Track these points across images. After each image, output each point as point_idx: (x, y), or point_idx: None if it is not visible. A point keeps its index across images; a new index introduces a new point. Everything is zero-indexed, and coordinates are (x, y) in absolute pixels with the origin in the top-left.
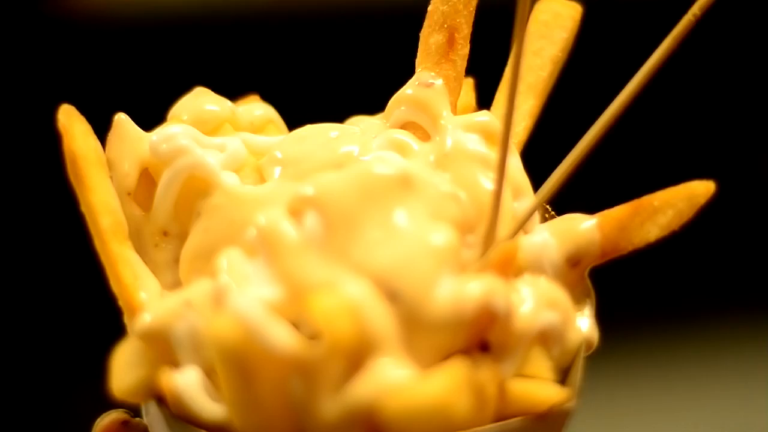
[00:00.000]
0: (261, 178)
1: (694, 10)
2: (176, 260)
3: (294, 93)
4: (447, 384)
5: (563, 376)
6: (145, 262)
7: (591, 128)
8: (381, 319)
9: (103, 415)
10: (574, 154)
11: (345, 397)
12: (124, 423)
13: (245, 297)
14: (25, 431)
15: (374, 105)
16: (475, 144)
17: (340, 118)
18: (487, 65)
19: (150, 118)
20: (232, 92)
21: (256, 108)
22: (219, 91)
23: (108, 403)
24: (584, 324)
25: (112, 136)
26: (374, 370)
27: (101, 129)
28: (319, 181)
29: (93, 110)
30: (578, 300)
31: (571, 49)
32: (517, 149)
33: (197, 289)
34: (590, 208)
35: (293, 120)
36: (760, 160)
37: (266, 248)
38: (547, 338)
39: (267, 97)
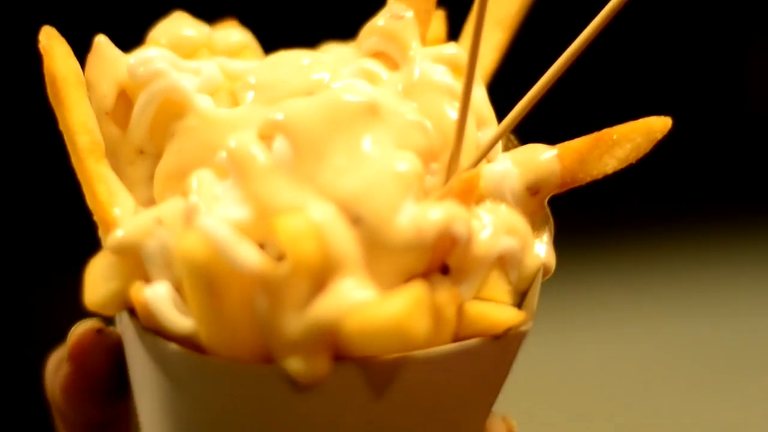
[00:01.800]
0: (235, 102)
1: None
2: (151, 177)
3: (270, 18)
4: (406, 304)
5: (521, 300)
6: (121, 179)
7: (555, 62)
8: (344, 241)
9: (78, 323)
10: (538, 86)
11: (308, 315)
12: (99, 331)
13: (214, 216)
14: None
15: (347, 31)
16: (442, 75)
17: (313, 43)
18: None
19: (130, 39)
20: (211, 16)
21: (233, 33)
22: (197, 14)
23: (82, 312)
24: (542, 250)
25: (92, 57)
26: (336, 290)
27: (81, 50)
28: (289, 106)
29: (73, 31)
30: (537, 227)
31: None
32: (483, 81)
33: (168, 208)
34: (552, 138)
35: (269, 44)
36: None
37: (236, 170)
38: (505, 263)
39: (244, 21)
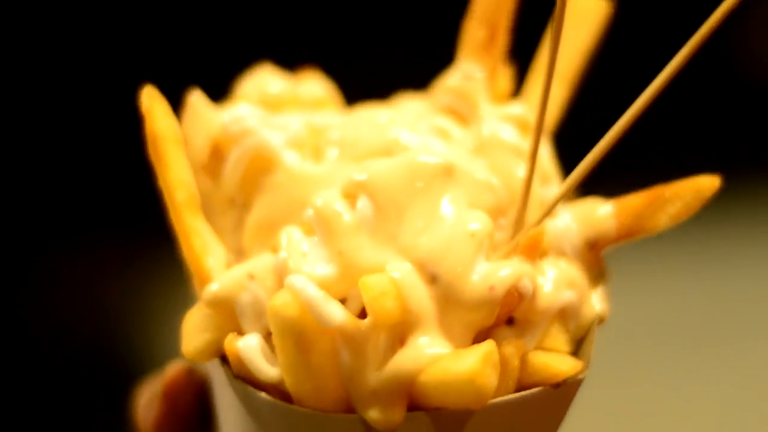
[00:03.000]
0: (319, 155)
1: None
2: (241, 225)
3: (346, 62)
4: (478, 362)
5: (576, 347)
6: (212, 226)
7: (616, 123)
8: (422, 299)
9: (170, 364)
10: (599, 148)
11: (388, 369)
12: (189, 372)
13: (303, 276)
14: None
15: (417, 78)
16: (509, 134)
17: (386, 87)
18: (517, 49)
19: (218, 87)
20: (292, 61)
21: (315, 86)
22: (280, 61)
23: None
24: (597, 301)
25: (187, 114)
26: (414, 346)
27: (170, 93)
28: (371, 167)
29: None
30: (594, 278)
31: (602, 43)
32: (547, 135)
33: (260, 263)
34: (604, 182)
35: (346, 88)
36: None
37: (322, 228)
38: (565, 315)
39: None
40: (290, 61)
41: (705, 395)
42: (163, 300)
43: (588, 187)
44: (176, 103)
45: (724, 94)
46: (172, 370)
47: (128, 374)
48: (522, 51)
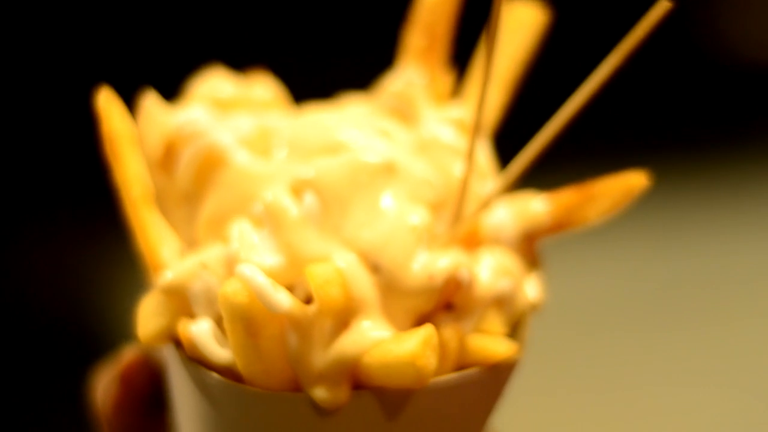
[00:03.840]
0: (269, 154)
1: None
2: (193, 218)
3: (293, 60)
4: (418, 344)
5: (512, 331)
6: (168, 220)
7: (547, 125)
8: (365, 286)
9: (127, 348)
10: (532, 148)
11: (333, 351)
12: (144, 355)
13: (252, 265)
14: None
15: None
16: (449, 135)
17: (332, 87)
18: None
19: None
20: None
21: (265, 88)
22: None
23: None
24: (532, 288)
25: (142, 116)
26: (357, 330)
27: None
28: (317, 165)
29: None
30: (529, 267)
31: (540, 50)
32: (487, 136)
33: (212, 253)
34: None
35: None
36: None
37: (271, 221)
38: (501, 301)
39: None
40: (239, 60)
41: (639, 376)
42: (131, 274)
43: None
44: (131, 102)
45: (689, 73)
46: (128, 354)
47: (94, 348)
48: (464, 51)
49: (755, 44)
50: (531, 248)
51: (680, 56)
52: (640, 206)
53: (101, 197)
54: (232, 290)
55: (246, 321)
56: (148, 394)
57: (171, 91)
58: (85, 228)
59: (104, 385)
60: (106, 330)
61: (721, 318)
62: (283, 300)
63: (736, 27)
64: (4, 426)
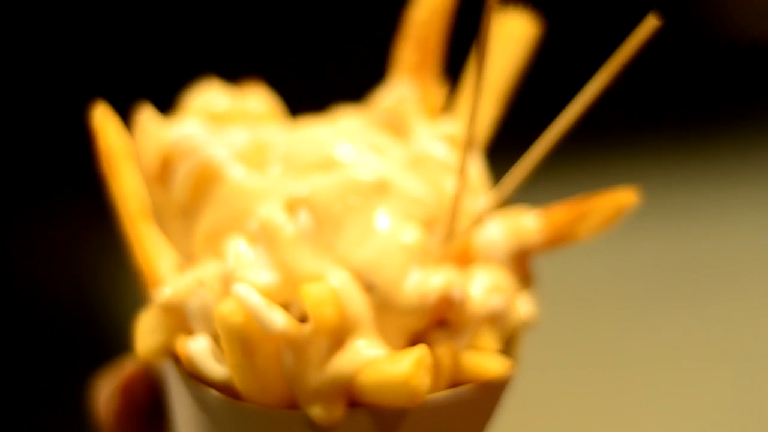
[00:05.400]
0: (264, 169)
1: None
2: (190, 232)
3: (286, 74)
4: (411, 365)
5: (506, 347)
6: (165, 233)
7: (538, 140)
8: (359, 306)
9: (125, 362)
10: (524, 164)
11: (327, 369)
12: (145, 367)
13: (247, 284)
14: None
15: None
16: (441, 151)
17: (325, 96)
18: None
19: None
20: (235, 73)
21: (259, 100)
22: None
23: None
24: (525, 305)
25: (138, 131)
26: (352, 349)
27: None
28: (312, 183)
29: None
30: (521, 283)
31: (531, 62)
32: (479, 151)
33: (209, 271)
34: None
35: (289, 97)
36: None
37: (266, 238)
38: (494, 318)
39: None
40: (234, 72)
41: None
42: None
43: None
44: (126, 112)
45: (690, 51)
46: (128, 367)
47: (97, 346)
48: (456, 63)
49: (756, 20)
50: (523, 264)
51: (681, 34)
52: (644, 190)
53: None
54: (228, 310)
55: (242, 341)
56: (148, 407)
57: (166, 103)
58: (87, 219)
59: (105, 397)
60: (109, 325)
61: (737, 299)
62: (279, 320)
63: (737, 3)
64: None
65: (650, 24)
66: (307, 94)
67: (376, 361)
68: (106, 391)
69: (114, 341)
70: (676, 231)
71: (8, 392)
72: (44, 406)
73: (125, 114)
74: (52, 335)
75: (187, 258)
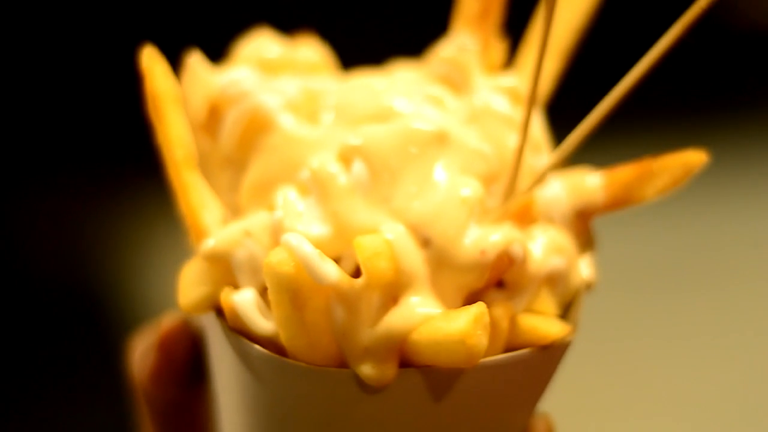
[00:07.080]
0: (315, 119)
1: None
2: (237, 184)
3: (340, 28)
4: (469, 322)
5: (564, 312)
6: (210, 184)
7: (608, 95)
8: (414, 261)
9: (165, 315)
10: (590, 121)
11: (380, 327)
12: (184, 322)
13: (298, 234)
14: None
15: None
16: (502, 105)
17: (382, 54)
18: (511, 20)
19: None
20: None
21: (312, 50)
22: (277, 24)
23: None
24: (585, 268)
25: (186, 76)
26: (406, 305)
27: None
28: (366, 132)
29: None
30: (582, 246)
31: (595, 18)
32: (540, 108)
33: (256, 221)
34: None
35: (342, 51)
36: None
37: (318, 189)
38: (553, 280)
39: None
40: (287, 25)
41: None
42: (141, 235)
43: (581, 154)
44: (176, 63)
45: (701, 39)
46: (168, 321)
47: (102, 309)
48: (516, 22)
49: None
50: (585, 226)
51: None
52: None
53: (122, 148)
54: (277, 260)
55: (291, 292)
56: (187, 365)
57: (217, 53)
58: (104, 181)
59: (141, 353)
60: (123, 285)
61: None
62: (331, 271)
63: None
64: (30, 397)
65: None
66: (362, 48)
67: (430, 319)
68: (141, 347)
69: (114, 314)
70: (696, 218)
71: (10, 364)
72: (43, 377)
73: (175, 62)
74: (52, 309)
75: (233, 211)
